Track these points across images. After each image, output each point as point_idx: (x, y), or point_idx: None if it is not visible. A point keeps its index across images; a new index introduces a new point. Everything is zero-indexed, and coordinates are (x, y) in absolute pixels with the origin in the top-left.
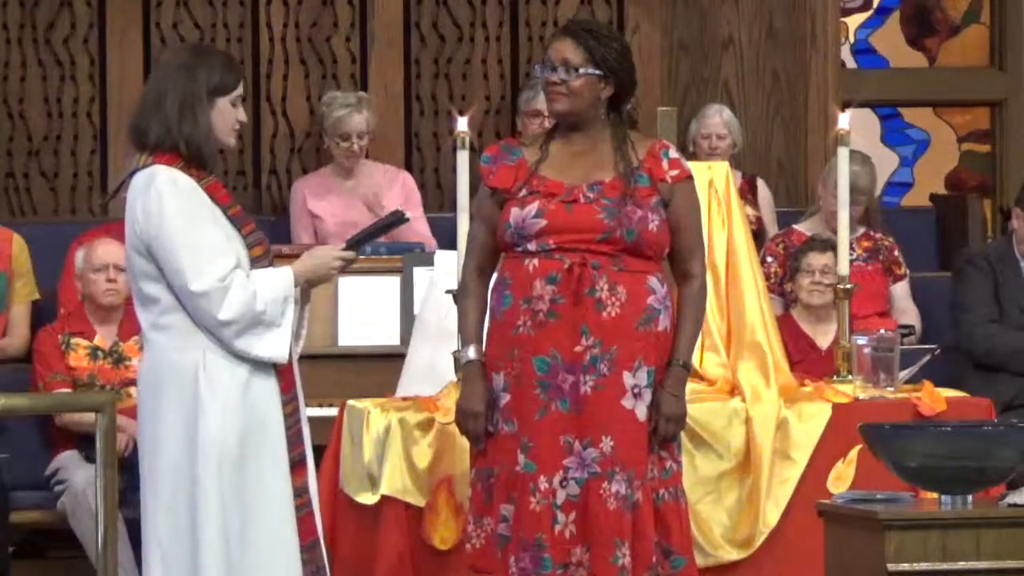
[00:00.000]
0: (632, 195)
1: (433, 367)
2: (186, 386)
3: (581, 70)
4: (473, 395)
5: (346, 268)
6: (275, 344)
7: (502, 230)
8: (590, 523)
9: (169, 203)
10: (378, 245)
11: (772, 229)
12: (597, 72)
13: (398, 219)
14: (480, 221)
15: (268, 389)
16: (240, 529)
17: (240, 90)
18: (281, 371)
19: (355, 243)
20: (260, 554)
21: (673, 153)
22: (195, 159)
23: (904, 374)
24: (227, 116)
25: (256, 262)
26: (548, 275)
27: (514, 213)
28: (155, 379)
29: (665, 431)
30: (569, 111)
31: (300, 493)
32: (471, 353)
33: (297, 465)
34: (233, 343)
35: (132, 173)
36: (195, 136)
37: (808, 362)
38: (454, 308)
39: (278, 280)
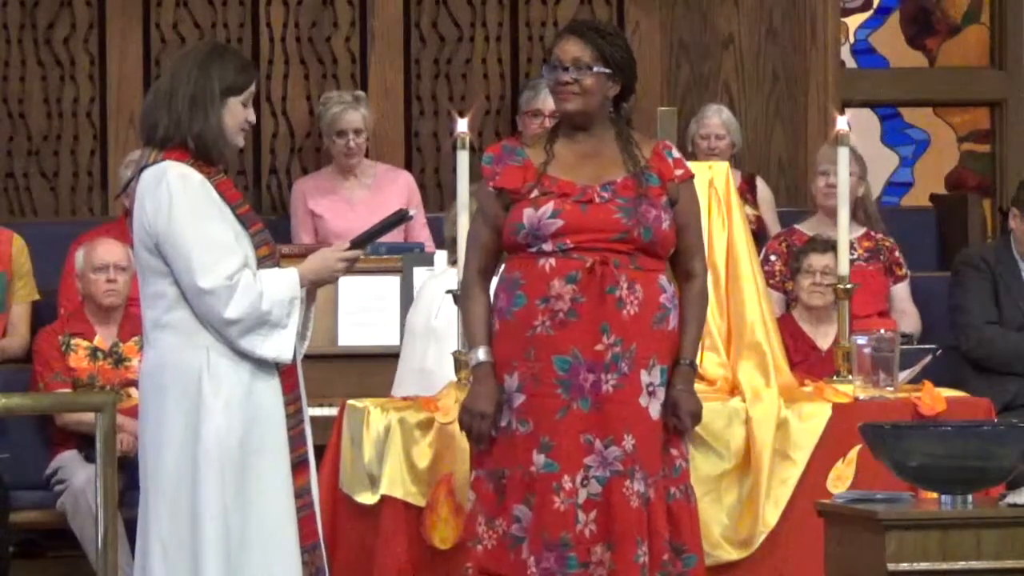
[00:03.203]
0: (646, 194)
1: (424, 369)
2: (189, 385)
3: (594, 68)
4: (483, 396)
5: (351, 268)
6: (280, 344)
7: (512, 231)
8: (613, 522)
9: (179, 199)
10: (378, 245)
11: (773, 228)
12: (607, 70)
13: (401, 218)
14: (483, 222)
15: (271, 389)
16: (241, 529)
17: (252, 89)
18: (284, 371)
19: (359, 243)
20: (260, 554)
21: (676, 153)
22: (202, 156)
23: (904, 375)
24: (237, 116)
25: (262, 262)
26: (567, 274)
27: (528, 214)
28: (158, 377)
29: (685, 427)
30: (581, 110)
31: (301, 494)
32: (481, 355)
33: (299, 466)
34: (238, 342)
35: (142, 168)
36: (204, 133)
37: (808, 363)
38: (443, 309)
39: (284, 281)
